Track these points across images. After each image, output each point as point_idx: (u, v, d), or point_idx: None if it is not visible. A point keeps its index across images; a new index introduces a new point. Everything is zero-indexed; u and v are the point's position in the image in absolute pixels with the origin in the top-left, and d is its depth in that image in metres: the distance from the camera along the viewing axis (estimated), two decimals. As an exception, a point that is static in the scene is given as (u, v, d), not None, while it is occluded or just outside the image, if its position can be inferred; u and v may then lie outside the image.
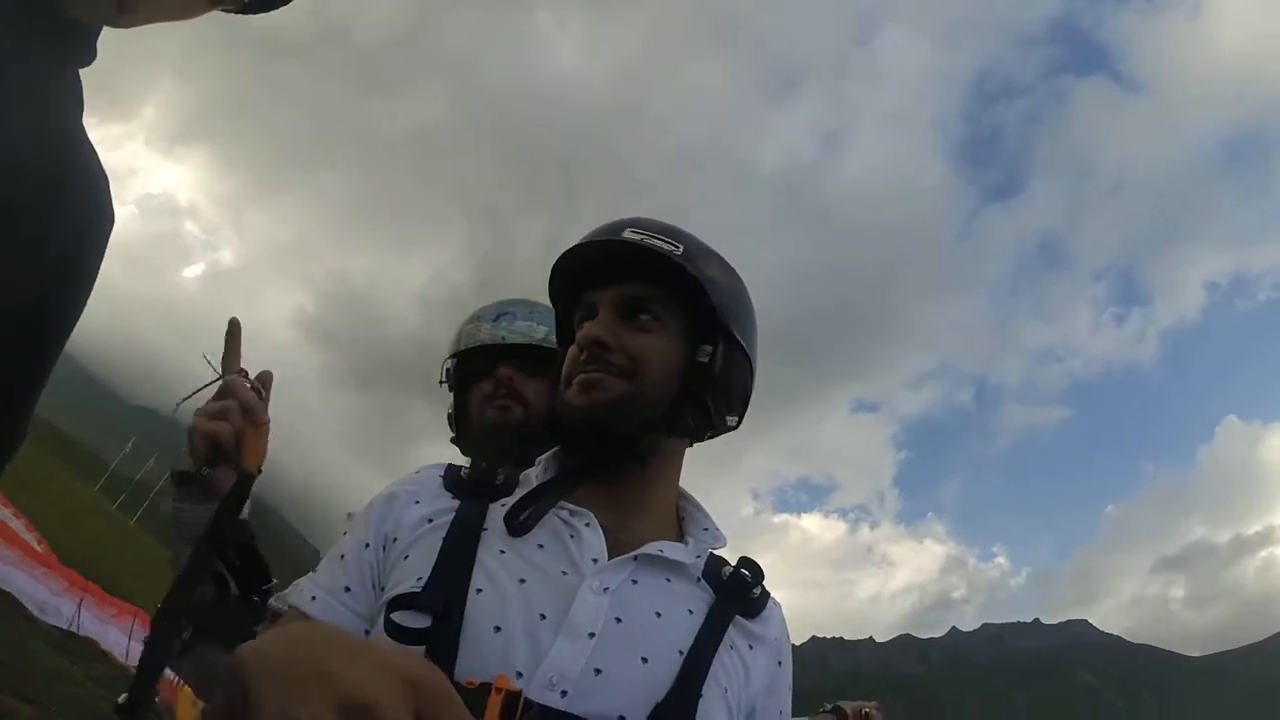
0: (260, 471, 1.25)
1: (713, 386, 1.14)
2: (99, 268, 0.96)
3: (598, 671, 0.94)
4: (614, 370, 1.10)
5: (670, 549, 1.10)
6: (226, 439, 1.23)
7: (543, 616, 0.97)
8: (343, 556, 1.09)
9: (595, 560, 1.05)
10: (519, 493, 1.13)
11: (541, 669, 0.92)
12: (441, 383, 1.91)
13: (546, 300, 1.28)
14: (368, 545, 1.08)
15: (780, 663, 1.15)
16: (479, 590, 0.98)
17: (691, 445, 1.22)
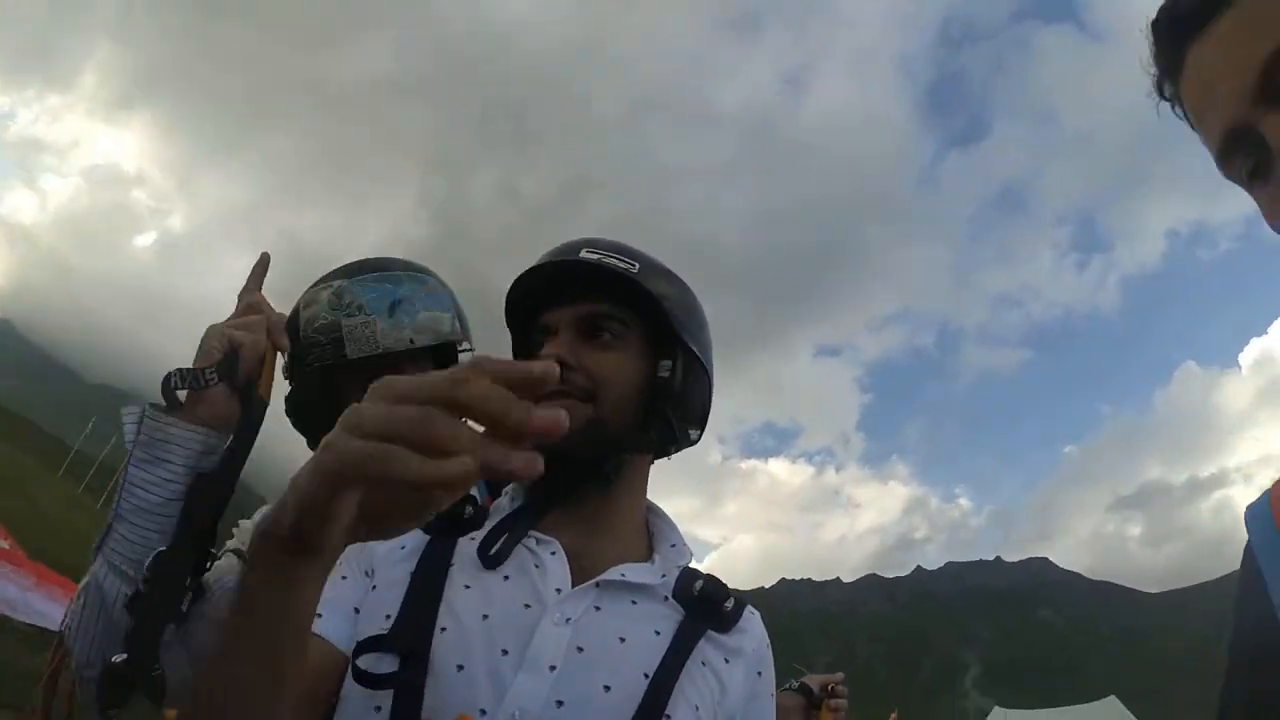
0: (269, 403, 1.20)
1: (674, 401, 1.15)
2: None
3: (560, 704, 0.94)
4: (576, 392, 1.10)
5: (633, 571, 1.11)
6: (251, 349, 1.16)
7: (505, 652, 0.97)
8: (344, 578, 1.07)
9: (559, 590, 1.05)
10: (489, 524, 1.13)
11: (504, 706, 0.93)
12: (293, 379, 1.54)
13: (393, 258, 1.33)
14: (344, 577, 1.06)
15: (760, 673, 1.16)
16: (443, 629, 0.99)
17: (655, 461, 1.24)
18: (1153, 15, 0.83)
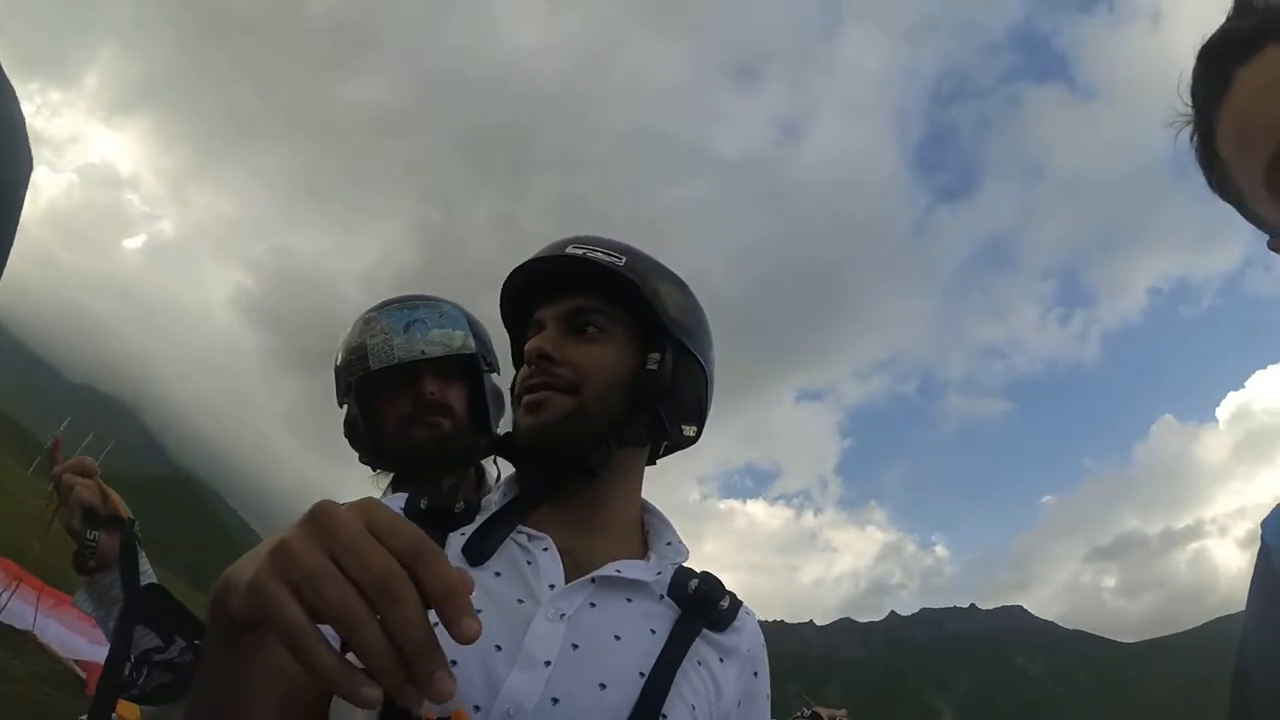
0: (133, 519, 1.51)
1: (663, 394, 1.14)
2: (19, 218, 0.89)
3: (555, 701, 0.93)
4: (559, 384, 1.10)
5: (629, 568, 1.09)
6: (86, 493, 1.48)
7: (498, 648, 0.96)
8: None
9: (552, 586, 1.04)
10: (479, 519, 1.12)
11: (498, 701, 0.92)
12: (343, 403, 1.79)
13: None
14: None
15: (756, 673, 1.14)
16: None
17: (654, 462, 1.24)
18: (1202, 43, 0.85)
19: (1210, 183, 0.91)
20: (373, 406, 1.71)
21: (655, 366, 1.13)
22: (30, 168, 0.90)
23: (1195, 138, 0.90)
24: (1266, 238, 0.90)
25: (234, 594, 0.65)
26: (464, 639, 0.59)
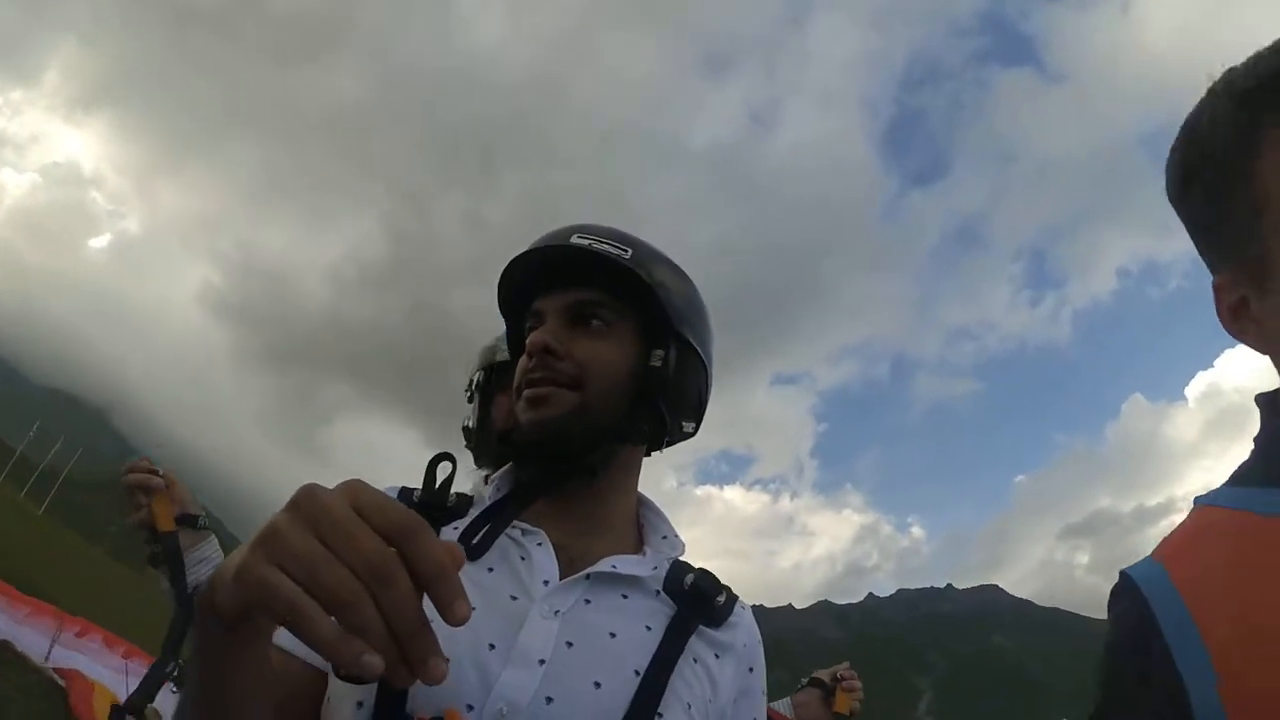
0: (174, 529, 1.77)
1: (666, 391, 1.12)
2: None
3: (549, 700, 0.92)
4: (562, 379, 1.08)
5: (624, 564, 1.08)
6: (144, 518, 1.78)
7: (491, 646, 0.94)
8: None
9: (546, 582, 1.02)
10: (473, 513, 1.11)
11: (491, 700, 0.90)
12: (469, 398, 1.94)
13: None
14: None
15: (751, 669, 1.13)
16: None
17: (649, 454, 1.22)
18: (1244, 81, 0.82)
19: (1185, 188, 0.88)
20: (485, 401, 1.91)
21: (659, 363, 1.11)
22: None
23: (1227, 130, 0.83)
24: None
25: (220, 588, 0.65)
26: (455, 621, 0.58)
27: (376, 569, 0.57)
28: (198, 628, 0.72)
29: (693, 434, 1.21)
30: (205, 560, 1.79)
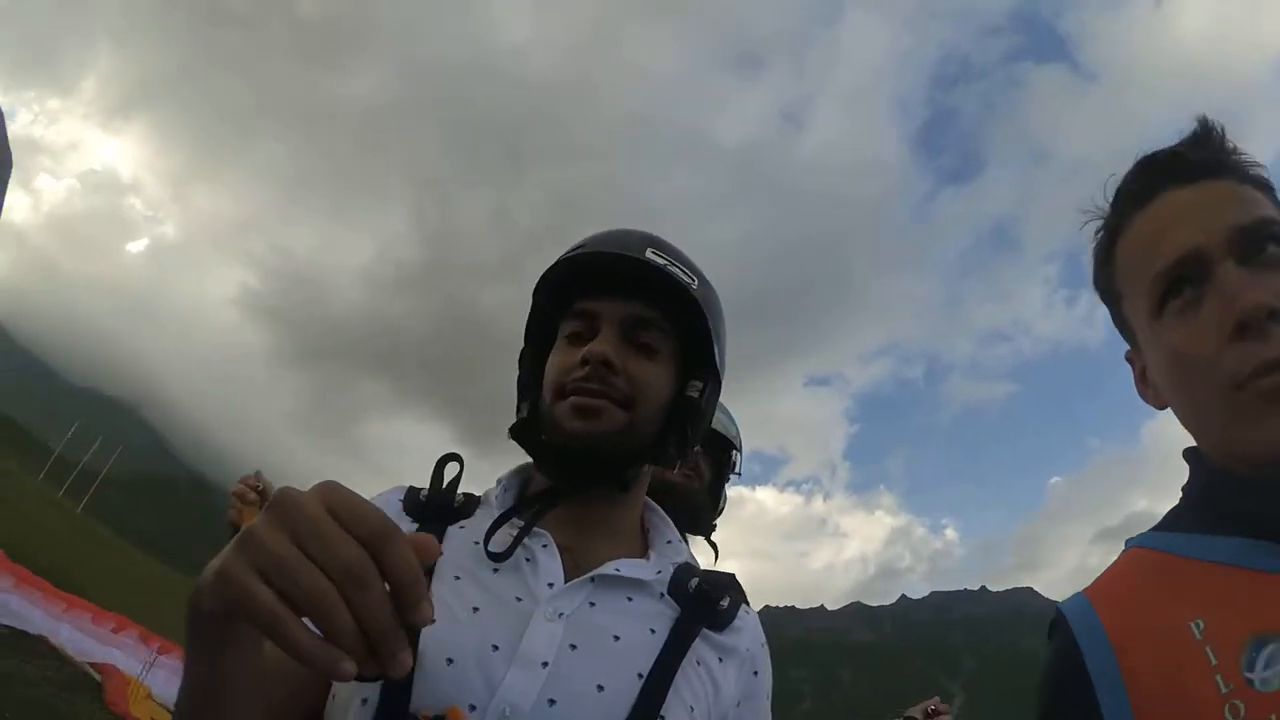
0: None
1: (697, 420, 1.15)
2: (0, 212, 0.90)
3: (551, 702, 0.92)
4: (617, 395, 1.08)
5: (629, 567, 1.08)
6: (233, 518, 2.05)
7: (495, 647, 0.95)
8: None
9: (551, 584, 1.03)
10: (479, 513, 1.12)
11: (494, 702, 0.91)
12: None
13: None
14: None
15: (756, 673, 1.12)
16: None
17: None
18: (1148, 152, 0.94)
19: (1095, 278, 1.00)
20: None
21: (696, 394, 1.14)
22: (9, 168, 0.89)
23: (1101, 233, 0.98)
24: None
25: (205, 590, 0.66)
26: (419, 624, 0.60)
27: (352, 572, 0.59)
28: (188, 628, 0.73)
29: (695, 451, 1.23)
30: None
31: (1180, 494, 0.97)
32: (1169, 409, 0.95)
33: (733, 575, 1.18)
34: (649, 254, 1.11)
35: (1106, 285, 0.98)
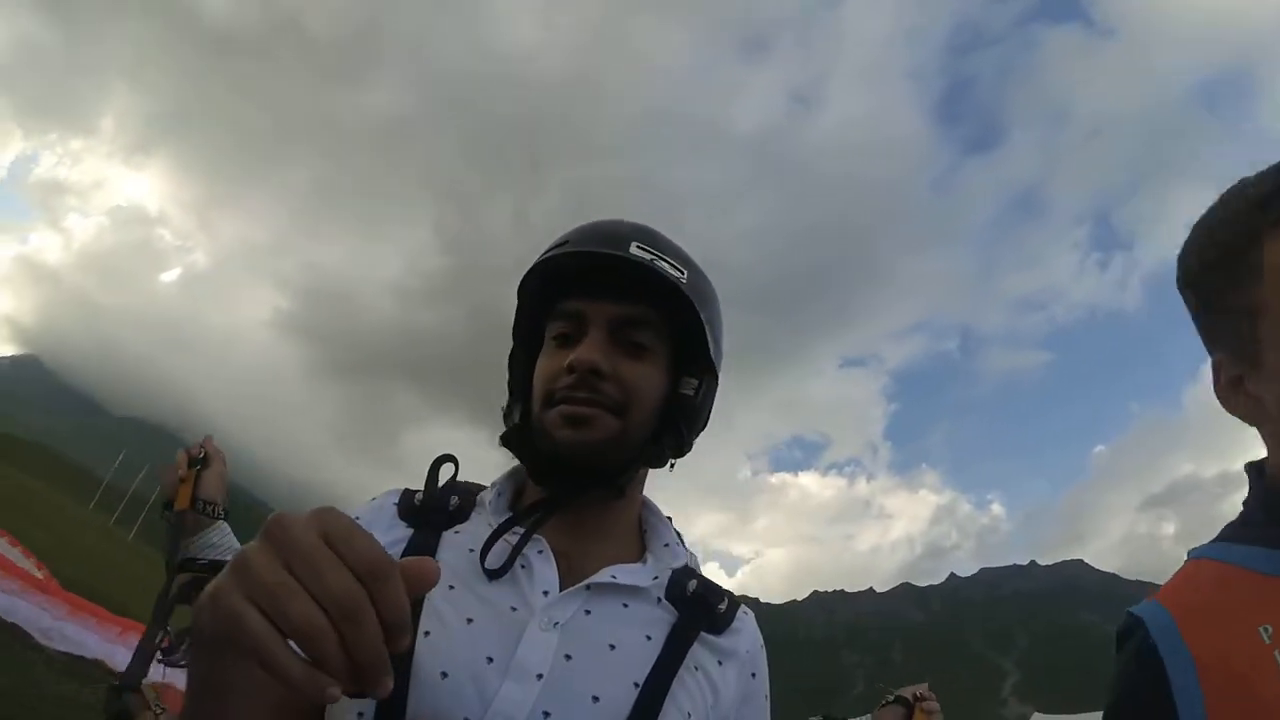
0: (186, 508, 1.83)
1: (693, 418, 1.12)
2: None
3: (546, 715, 0.91)
4: (607, 403, 1.05)
5: (624, 573, 1.06)
6: (168, 492, 1.85)
7: (490, 659, 0.94)
8: None
9: (546, 592, 1.01)
10: (475, 516, 1.11)
11: (489, 715, 0.90)
12: None
13: None
14: None
15: (754, 675, 1.11)
16: (426, 633, 0.95)
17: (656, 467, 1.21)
18: (1256, 189, 0.92)
19: (1200, 278, 0.97)
20: None
21: (691, 392, 1.10)
22: None
23: (1228, 234, 0.94)
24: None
25: (202, 613, 0.66)
26: (395, 651, 0.61)
27: (344, 607, 0.59)
28: (193, 642, 0.74)
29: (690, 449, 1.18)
30: (211, 546, 1.84)
31: (1241, 507, 1.00)
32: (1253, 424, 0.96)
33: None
34: (634, 249, 1.05)
35: (1232, 291, 0.94)
